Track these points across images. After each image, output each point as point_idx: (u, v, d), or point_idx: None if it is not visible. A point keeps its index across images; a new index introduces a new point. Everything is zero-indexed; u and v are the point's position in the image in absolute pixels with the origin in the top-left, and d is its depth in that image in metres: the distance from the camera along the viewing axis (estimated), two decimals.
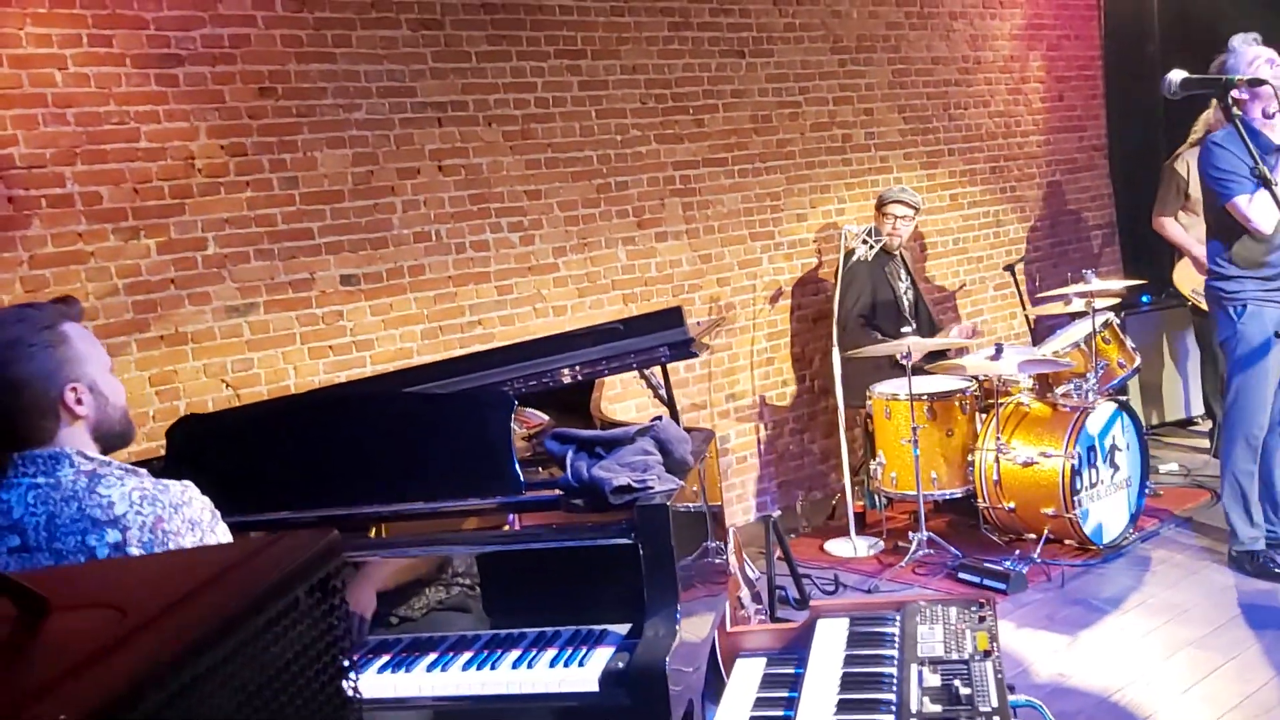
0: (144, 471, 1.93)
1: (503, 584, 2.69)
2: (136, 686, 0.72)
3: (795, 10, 5.54)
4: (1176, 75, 2.52)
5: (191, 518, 1.85)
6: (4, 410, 1.84)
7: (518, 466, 2.53)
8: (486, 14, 4.50)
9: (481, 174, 4.52)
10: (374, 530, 2.78)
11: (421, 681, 2.45)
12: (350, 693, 0.92)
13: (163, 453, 2.73)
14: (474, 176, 4.50)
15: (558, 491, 2.63)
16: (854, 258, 5.22)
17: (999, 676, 1.94)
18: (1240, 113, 2.55)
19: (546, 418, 3.33)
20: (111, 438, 1.96)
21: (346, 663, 0.91)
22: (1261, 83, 2.54)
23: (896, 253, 5.46)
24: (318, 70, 4.10)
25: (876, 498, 5.26)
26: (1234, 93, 2.41)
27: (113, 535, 1.79)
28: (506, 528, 2.74)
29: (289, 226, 4.07)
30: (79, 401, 1.88)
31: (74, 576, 1.24)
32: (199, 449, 2.68)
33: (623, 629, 2.50)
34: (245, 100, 3.95)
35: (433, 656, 2.51)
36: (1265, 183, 2.48)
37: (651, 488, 2.52)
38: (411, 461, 2.59)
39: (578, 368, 2.94)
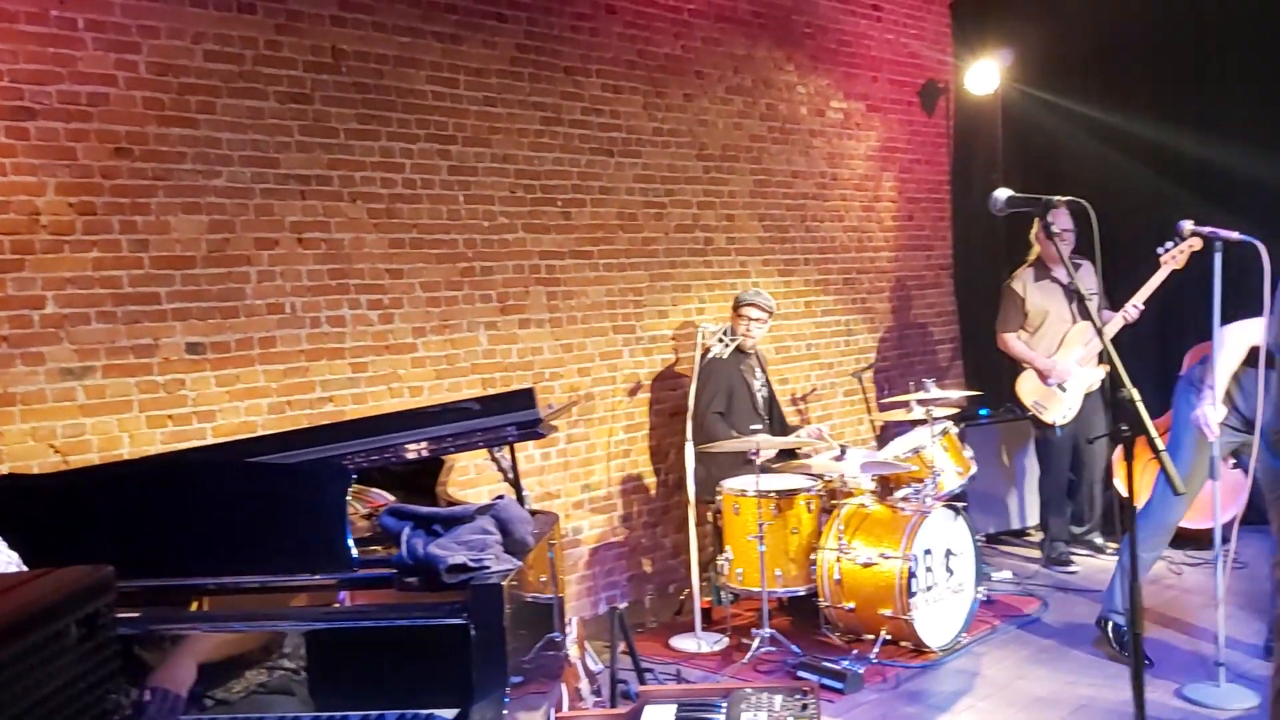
0: None
1: (329, 665, 2.61)
2: None
3: (664, 116, 5.73)
4: (1002, 193, 2.70)
5: None
6: None
7: (351, 542, 2.48)
8: (358, 93, 4.53)
9: (343, 249, 4.49)
10: (195, 603, 2.67)
11: None
12: None
13: None
14: (334, 251, 4.47)
15: (391, 569, 2.59)
16: (710, 355, 5.35)
17: None
18: (1058, 232, 2.75)
19: (392, 498, 3.28)
20: None
21: (116, 704, 0.87)
22: (1078, 203, 2.74)
23: (752, 352, 5.61)
24: (178, 134, 4.04)
25: (723, 594, 5.30)
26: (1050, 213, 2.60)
27: None
28: (336, 605, 2.67)
29: (135, 290, 3.95)
30: None
31: None
32: (15, 509, 2.55)
33: (450, 714, 2.44)
34: (99, 159, 3.87)
35: None
36: (1078, 297, 2.66)
37: (488, 567, 2.50)
38: (239, 533, 2.52)
39: (423, 444, 2.92)
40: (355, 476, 2.65)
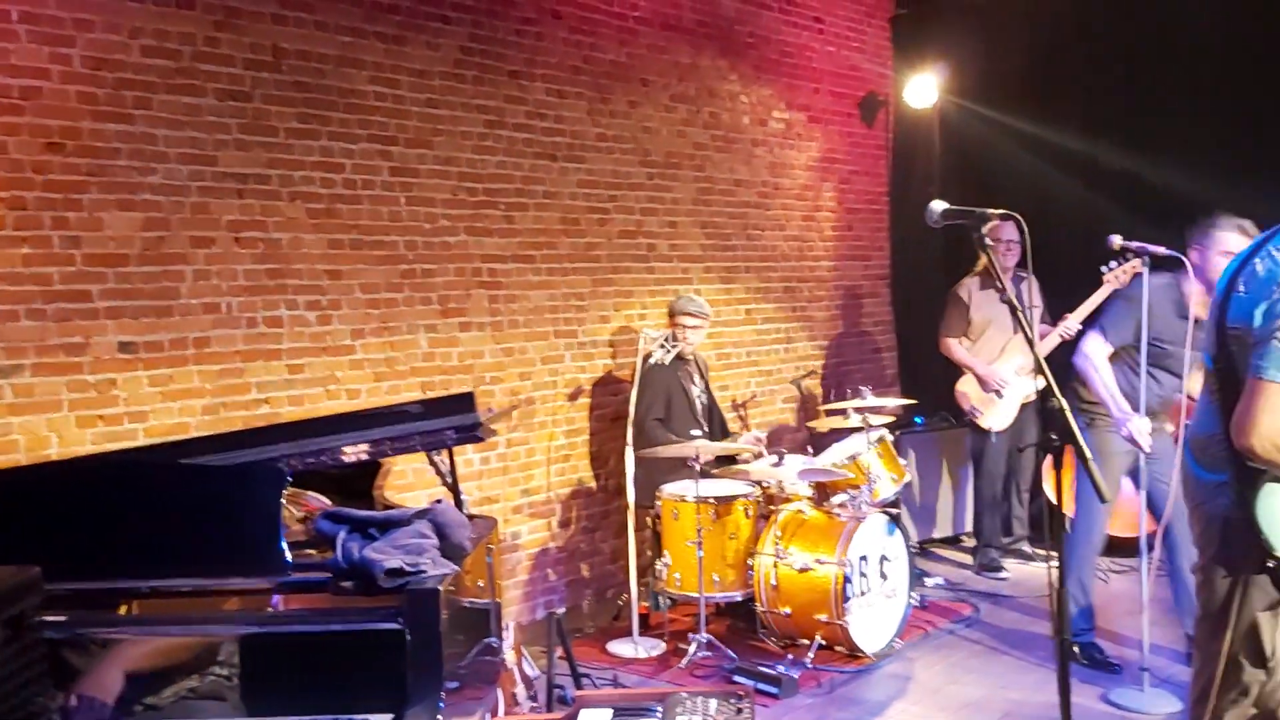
0: None
1: (261, 670, 2.57)
2: None
3: (608, 122, 5.75)
4: (938, 205, 2.74)
5: None
6: None
7: (285, 545, 2.45)
8: (299, 91, 4.48)
9: (280, 249, 4.44)
10: (124, 606, 2.62)
11: None
12: None
13: None
14: (272, 251, 4.41)
15: (326, 573, 2.56)
16: (651, 361, 5.37)
17: None
18: (992, 244, 2.81)
19: (328, 501, 3.25)
20: None
21: (43, 707, 0.86)
22: (1011, 216, 2.80)
23: (692, 358, 5.64)
24: (113, 130, 3.97)
25: (661, 599, 5.32)
26: (985, 226, 2.65)
27: None
28: (269, 609, 2.64)
29: (66, 287, 3.87)
30: None
31: None
32: None
33: (384, 719, 2.43)
34: (31, 154, 3.78)
35: None
36: (1011, 308, 2.72)
37: (425, 572, 2.49)
38: (171, 535, 2.48)
39: (361, 447, 2.89)
40: (291, 479, 2.62)
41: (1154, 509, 4.52)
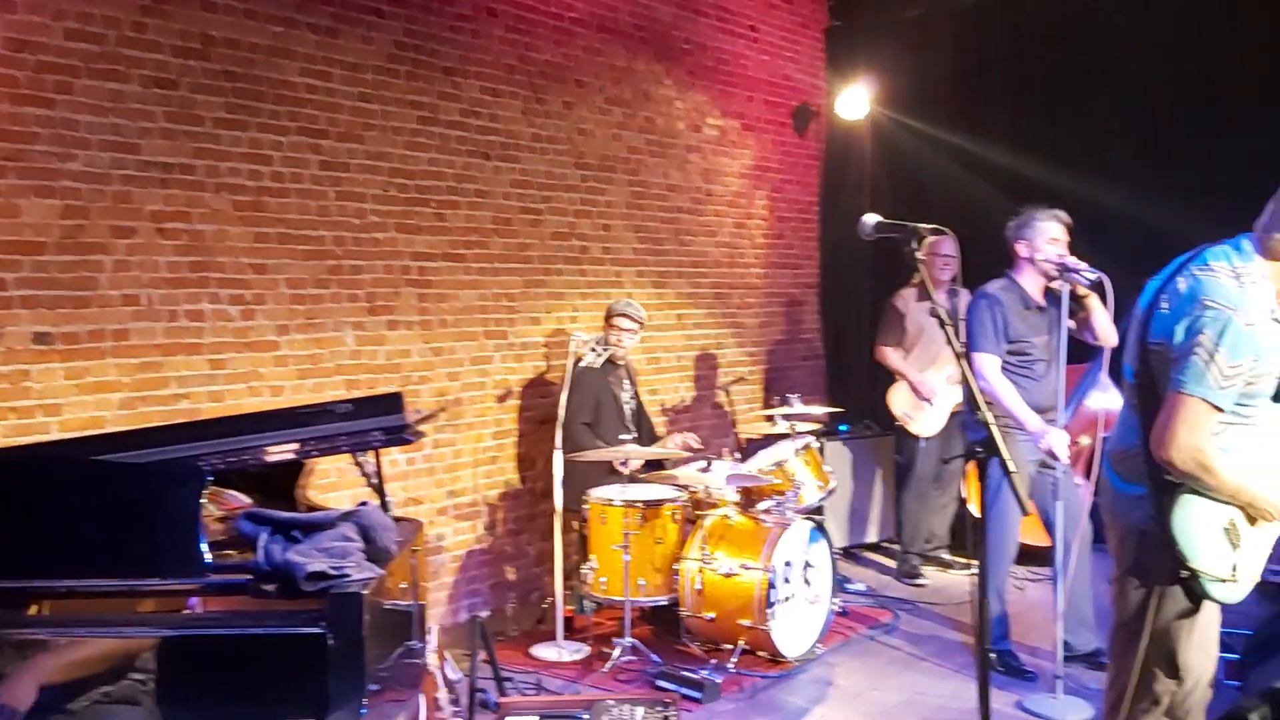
0: None
1: (178, 674, 2.51)
2: None
3: (543, 122, 5.72)
4: (871, 219, 2.78)
5: None
6: None
7: (205, 546, 2.40)
8: (228, 81, 4.39)
9: (204, 241, 4.34)
10: (35, 607, 2.53)
11: None
12: None
13: None
14: (196, 243, 4.31)
15: (247, 575, 2.51)
16: (581, 364, 5.35)
17: None
18: (924, 259, 2.85)
19: (248, 501, 3.18)
20: None
21: None
22: (943, 232, 2.84)
23: (622, 363, 5.64)
24: (32, 114, 3.84)
25: (586, 602, 5.30)
26: (913, 242, 2.69)
27: None
28: (187, 612, 2.57)
29: None
30: None
31: None
32: None
33: None
34: None
35: None
36: (940, 322, 2.76)
37: (348, 575, 2.45)
38: (85, 534, 2.41)
39: (285, 447, 2.84)
40: (211, 478, 2.56)
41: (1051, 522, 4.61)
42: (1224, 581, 2.80)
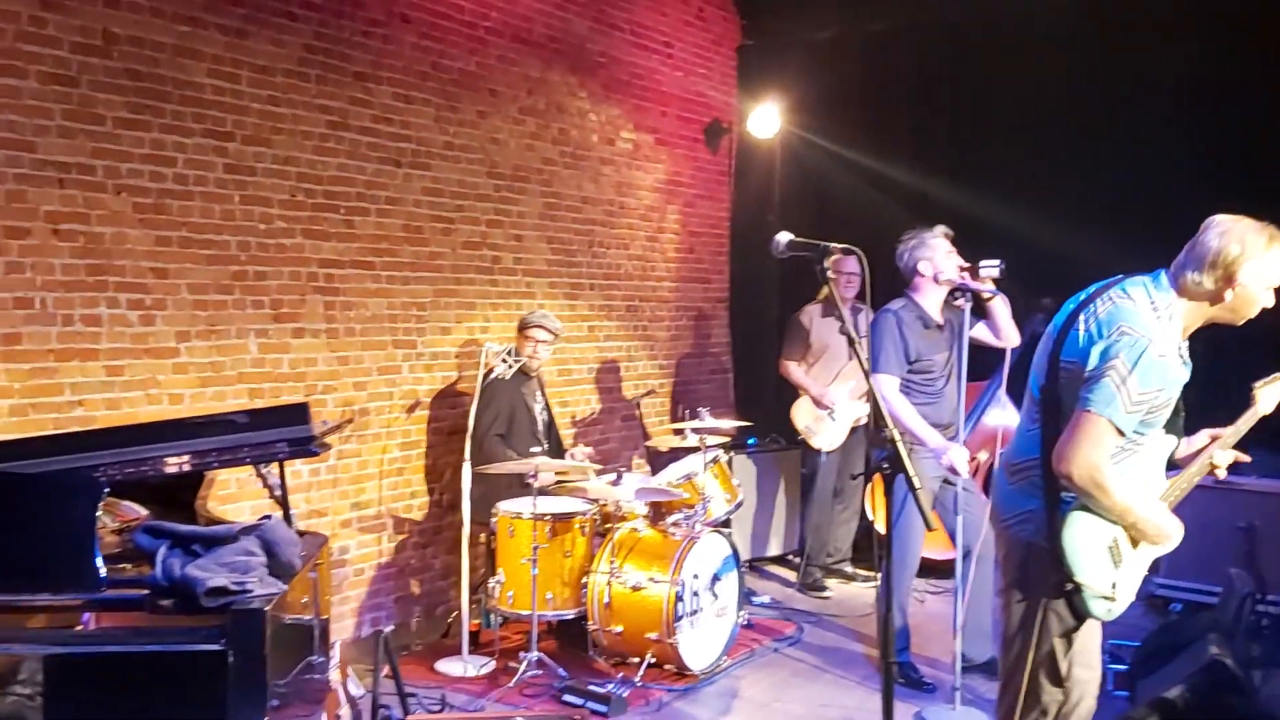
0: None
1: (71, 692, 2.42)
2: None
3: (456, 131, 5.68)
4: (784, 237, 2.81)
5: None
6: None
7: (100, 560, 2.32)
8: (130, 80, 4.26)
9: (103, 244, 4.20)
10: None
11: None
12: None
13: None
14: (94, 245, 4.17)
15: (144, 590, 2.43)
16: (493, 375, 5.31)
17: None
18: (834, 277, 2.91)
19: (145, 513, 3.09)
20: None
21: None
22: (852, 251, 2.89)
23: (534, 375, 5.61)
24: None
25: (492, 616, 5.26)
26: (827, 260, 2.73)
27: None
28: (80, 628, 2.48)
29: None
30: None
31: None
32: None
33: None
34: None
35: None
36: (849, 340, 2.82)
37: (250, 591, 2.39)
38: None
39: (185, 457, 2.76)
40: (107, 489, 2.48)
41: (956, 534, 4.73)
42: (1104, 599, 2.91)
